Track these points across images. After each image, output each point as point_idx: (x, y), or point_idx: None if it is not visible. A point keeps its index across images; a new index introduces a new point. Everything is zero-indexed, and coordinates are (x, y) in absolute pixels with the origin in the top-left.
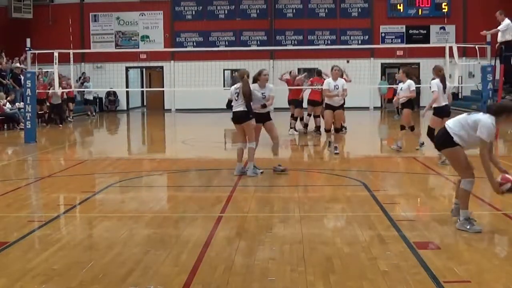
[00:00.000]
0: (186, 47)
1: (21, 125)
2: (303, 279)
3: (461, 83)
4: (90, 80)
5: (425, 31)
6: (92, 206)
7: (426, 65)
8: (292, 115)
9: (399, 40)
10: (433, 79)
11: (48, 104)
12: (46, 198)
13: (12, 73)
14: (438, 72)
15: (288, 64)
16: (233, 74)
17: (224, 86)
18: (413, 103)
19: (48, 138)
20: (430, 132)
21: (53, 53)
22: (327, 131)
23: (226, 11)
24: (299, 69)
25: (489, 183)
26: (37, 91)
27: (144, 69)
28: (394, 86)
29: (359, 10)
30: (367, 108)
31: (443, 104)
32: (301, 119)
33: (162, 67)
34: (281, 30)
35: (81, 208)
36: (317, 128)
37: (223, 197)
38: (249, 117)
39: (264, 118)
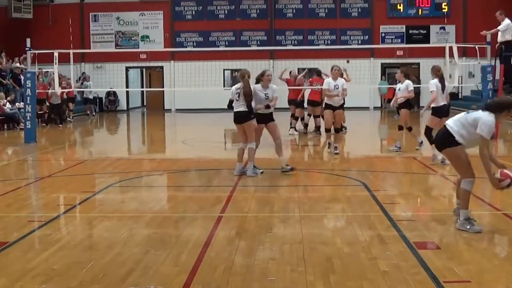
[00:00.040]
0: (186, 47)
1: (21, 125)
2: (303, 279)
3: (461, 83)
4: (90, 80)
5: (425, 31)
6: (92, 206)
7: (426, 65)
8: (292, 115)
9: (399, 40)
10: (433, 79)
11: (48, 104)
12: (46, 198)
13: (12, 73)
14: (437, 72)
15: (288, 64)
16: (233, 74)
17: (224, 86)
18: (411, 103)
19: (48, 138)
20: (428, 131)
21: (53, 53)
22: (327, 131)
23: (226, 11)
24: (299, 69)
25: (489, 179)
26: (37, 91)
27: (144, 69)
28: (394, 86)
29: (359, 10)
30: (367, 108)
31: (442, 104)
32: (302, 119)
33: (162, 67)
34: (281, 30)
35: (81, 208)
36: (317, 128)
37: (223, 197)
38: (250, 117)
39: (267, 119)
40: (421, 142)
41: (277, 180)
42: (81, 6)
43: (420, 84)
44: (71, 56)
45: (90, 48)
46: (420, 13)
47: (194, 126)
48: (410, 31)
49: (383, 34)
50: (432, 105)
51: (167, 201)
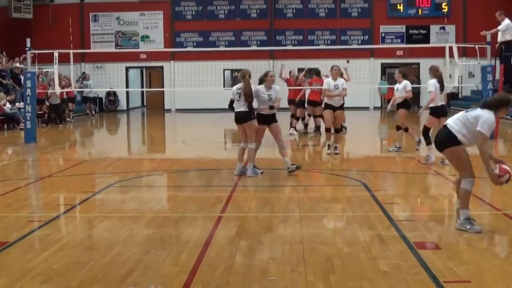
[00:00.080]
0: (186, 47)
1: (21, 125)
2: (303, 279)
3: (461, 83)
4: (90, 79)
5: (425, 31)
6: (92, 206)
7: (426, 65)
8: (292, 115)
9: (399, 40)
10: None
11: (47, 104)
12: (46, 198)
13: (12, 73)
14: (435, 72)
15: (288, 64)
16: (233, 74)
17: (224, 86)
18: (409, 103)
19: (48, 138)
20: (426, 131)
21: (53, 53)
22: (327, 130)
23: (226, 11)
24: (299, 69)
25: (488, 176)
26: (36, 91)
27: (144, 69)
28: (394, 86)
29: (359, 10)
30: (367, 108)
31: (440, 104)
32: (302, 119)
33: (162, 67)
34: (281, 30)
35: (81, 208)
36: (317, 128)
37: (223, 197)
38: (251, 117)
39: (269, 120)
40: (419, 141)
41: (277, 180)
42: (81, 6)
43: (420, 84)
44: (71, 56)
45: (90, 48)
46: (420, 13)
47: (194, 126)
48: (410, 31)
49: (383, 34)
50: (431, 105)
51: (167, 201)
